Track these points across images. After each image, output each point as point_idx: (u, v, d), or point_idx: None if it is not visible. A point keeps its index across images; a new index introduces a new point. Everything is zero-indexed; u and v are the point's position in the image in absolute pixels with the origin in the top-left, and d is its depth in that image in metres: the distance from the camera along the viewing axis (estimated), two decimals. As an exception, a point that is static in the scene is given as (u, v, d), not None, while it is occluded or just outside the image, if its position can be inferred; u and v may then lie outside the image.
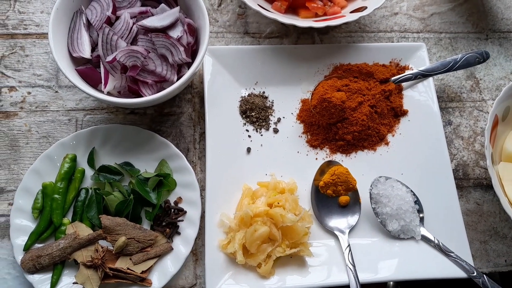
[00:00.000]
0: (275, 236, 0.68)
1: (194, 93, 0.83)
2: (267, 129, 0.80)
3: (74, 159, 0.73)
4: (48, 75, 0.81)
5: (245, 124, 0.80)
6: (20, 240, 0.68)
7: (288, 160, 0.79)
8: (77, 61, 0.74)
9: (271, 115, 0.81)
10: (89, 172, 0.74)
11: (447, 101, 0.88)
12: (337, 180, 0.75)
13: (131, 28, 0.72)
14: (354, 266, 0.69)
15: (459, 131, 0.86)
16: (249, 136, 0.79)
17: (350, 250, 0.71)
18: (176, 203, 0.73)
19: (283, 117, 0.82)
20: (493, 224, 0.80)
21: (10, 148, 0.77)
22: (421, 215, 0.74)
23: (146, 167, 0.75)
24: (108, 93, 0.73)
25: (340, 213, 0.75)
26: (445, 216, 0.75)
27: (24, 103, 0.79)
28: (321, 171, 0.77)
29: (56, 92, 0.81)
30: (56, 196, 0.70)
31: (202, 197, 0.75)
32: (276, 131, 0.80)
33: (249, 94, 0.82)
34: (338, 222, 0.74)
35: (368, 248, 0.73)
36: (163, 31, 0.73)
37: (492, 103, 0.88)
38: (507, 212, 0.69)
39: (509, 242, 0.79)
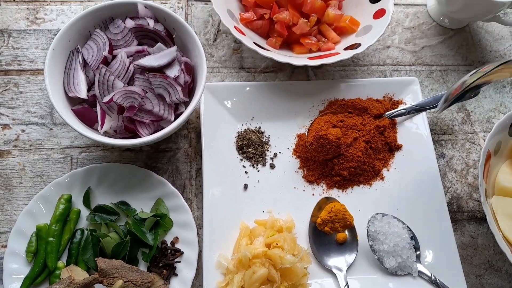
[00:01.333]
0: (274, 277, 0.67)
1: (191, 128, 0.83)
2: (264, 165, 0.81)
3: (69, 200, 0.72)
4: (43, 112, 0.81)
5: (241, 160, 0.80)
6: (13, 285, 0.67)
7: (285, 196, 0.79)
8: (73, 100, 0.73)
9: (268, 150, 0.82)
10: (85, 212, 0.73)
11: (439, 133, 0.89)
12: (335, 217, 0.75)
13: (128, 67, 0.72)
14: (353, 305, 0.69)
15: (452, 163, 0.87)
16: (246, 172, 0.80)
17: (348, 288, 0.71)
18: (172, 243, 0.73)
19: (280, 152, 0.82)
20: (488, 257, 0.81)
21: (4, 188, 0.75)
22: (417, 252, 0.75)
23: (143, 206, 0.74)
24: (105, 133, 0.73)
25: (338, 250, 0.75)
26: (441, 251, 0.76)
27: (18, 141, 0.78)
28: (319, 207, 0.77)
29: (51, 129, 0.80)
30: (51, 238, 0.69)
31: (199, 236, 0.74)
32: (272, 166, 0.81)
33: (245, 129, 0.82)
34: (336, 260, 0.74)
35: (366, 285, 0.73)
36: (160, 70, 0.73)
37: (483, 135, 0.90)
38: (501, 248, 0.69)
39: (504, 276, 0.80)
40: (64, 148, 0.79)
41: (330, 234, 0.75)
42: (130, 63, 0.73)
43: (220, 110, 0.81)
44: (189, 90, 0.76)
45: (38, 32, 0.86)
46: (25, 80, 0.83)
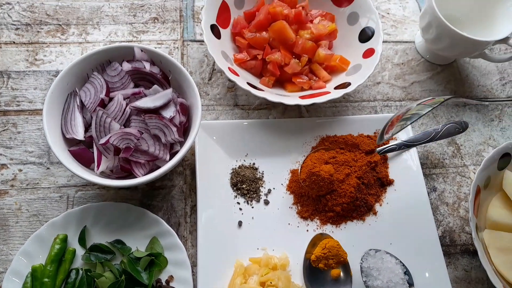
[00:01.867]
0: (268, 316, 0.68)
1: (186, 165, 0.84)
2: (258, 201, 0.82)
3: (64, 240, 0.73)
4: (40, 152, 0.82)
5: (236, 196, 0.81)
6: (7, 328, 0.67)
7: (279, 233, 0.79)
8: (70, 141, 0.75)
9: (262, 186, 0.83)
10: (80, 252, 0.74)
11: (430, 167, 0.91)
12: (329, 253, 0.75)
13: (125, 109, 0.74)
14: None
15: (444, 197, 0.88)
16: (240, 209, 0.81)
17: (343, 327, 0.71)
18: (167, 282, 0.73)
19: (273, 188, 0.83)
20: (482, 291, 0.81)
21: (0, 228, 0.76)
22: (411, 287, 0.75)
23: (138, 244, 0.75)
24: (101, 172, 0.74)
25: (332, 287, 0.75)
26: (435, 286, 0.76)
27: (15, 181, 0.80)
28: (313, 243, 0.77)
29: (48, 168, 0.81)
30: (46, 279, 0.69)
31: (194, 274, 0.75)
32: (267, 202, 0.82)
33: (239, 166, 0.84)
34: (331, 297, 0.74)
35: (361, 323, 0.73)
36: (156, 111, 0.75)
37: (474, 168, 0.92)
38: (493, 283, 0.70)
39: (499, 310, 0.80)
40: (61, 187, 0.80)
41: (324, 270, 0.76)
42: (127, 105, 0.75)
43: (214, 147, 0.83)
44: (184, 129, 0.78)
45: (37, 73, 0.89)
46: (23, 120, 0.85)
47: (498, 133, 0.96)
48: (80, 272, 0.72)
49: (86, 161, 0.74)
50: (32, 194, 0.79)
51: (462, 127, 0.87)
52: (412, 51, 1.03)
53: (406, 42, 1.04)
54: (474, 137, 0.95)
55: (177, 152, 0.73)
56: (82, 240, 0.74)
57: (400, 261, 0.77)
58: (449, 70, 1.02)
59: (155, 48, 0.80)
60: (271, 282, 0.70)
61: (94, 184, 0.80)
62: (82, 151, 0.73)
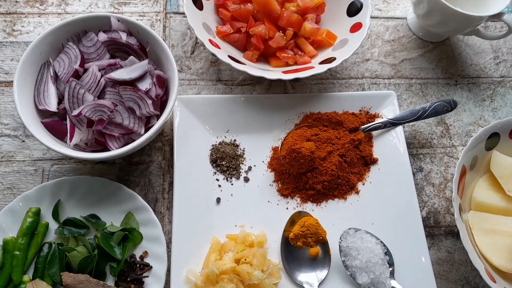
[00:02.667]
0: (241, 293, 0.66)
1: (165, 141, 0.82)
2: (238, 178, 0.80)
3: (37, 213, 0.71)
4: (16, 124, 0.80)
5: (215, 173, 0.80)
6: (-23, 300, 0.66)
7: (258, 210, 0.78)
8: (44, 113, 0.73)
9: (242, 163, 0.81)
10: (54, 226, 0.72)
11: (418, 147, 0.88)
12: (307, 231, 0.74)
13: (99, 81, 0.72)
14: (323, 323, 0.68)
15: (430, 177, 0.86)
16: (219, 186, 0.79)
17: (319, 305, 0.70)
18: (142, 257, 0.72)
19: (254, 165, 0.81)
20: (464, 273, 0.80)
21: (-27, 201, 0.75)
22: (391, 268, 0.74)
23: (113, 219, 0.74)
24: (75, 145, 0.72)
25: (310, 265, 0.74)
26: (416, 268, 0.75)
27: (-11, 153, 0.78)
28: (291, 221, 0.76)
29: (23, 141, 0.79)
30: (17, 252, 0.68)
31: (170, 250, 0.73)
32: (246, 179, 0.80)
33: (220, 142, 0.82)
34: (308, 275, 0.73)
35: (338, 302, 0.72)
36: (132, 83, 0.73)
37: (462, 149, 0.89)
38: (474, 265, 0.68)
39: (481, 292, 0.79)
40: (36, 160, 0.78)
41: (302, 249, 0.74)
42: (102, 76, 0.72)
43: (194, 122, 0.81)
44: (162, 103, 0.76)
45: (15, 44, 0.86)
46: (-1, 91, 0.83)
47: (490, 114, 0.94)
48: (53, 246, 0.70)
49: (59, 133, 0.72)
50: (6, 167, 0.77)
51: (451, 106, 0.84)
52: (404, 27, 1.00)
53: (398, 18, 1.01)
54: (464, 117, 0.93)
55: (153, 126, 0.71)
56: (55, 214, 0.72)
57: (381, 241, 0.75)
58: (441, 48, 0.99)
59: (137, 20, 0.77)
60: (245, 259, 0.68)
61: (69, 157, 0.79)
62: (55, 123, 0.72)
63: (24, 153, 0.79)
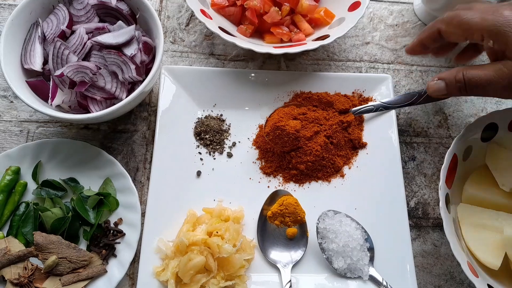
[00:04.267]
0: (210, 266, 0.65)
1: (151, 111, 0.82)
2: (221, 153, 0.78)
3: (16, 172, 0.71)
4: (5, 85, 0.81)
5: (198, 146, 0.78)
6: (-50, 251, 0.67)
7: (239, 187, 0.76)
8: (30, 74, 0.73)
9: (227, 138, 0.80)
10: (33, 186, 0.73)
11: (412, 135, 0.85)
12: (285, 211, 0.72)
13: (85, 43, 0.71)
14: (292, 303, 0.66)
15: (423, 167, 0.83)
16: (201, 159, 0.78)
17: (290, 286, 0.68)
18: (116, 224, 0.71)
19: (239, 142, 0.80)
20: (449, 268, 0.76)
21: (-43, 156, 0.76)
22: (369, 254, 0.71)
23: (92, 184, 0.73)
24: (59, 107, 0.72)
25: (286, 245, 0.72)
26: (397, 257, 0.72)
27: (-23, 111, 0.79)
28: (271, 199, 0.74)
29: (11, 102, 0.80)
30: (-7, 208, 0.69)
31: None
32: (230, 155, 0.79)
33: (206, 116, 0.80)
34: (282, 255, 0.71)
35: (312, 285, 0.70)
36: (118, 48, 0.72)
37: (460, 141, 0.85)
38: (456, 257, 0.65)
39: (466, 289, 0.75)
40: (22, 121, 0.79)
41: (279, 228, 0.73)
42: (89, 39, 0.72)
43: (181, 94, 0.80)
44: (148, 70, 0.75)
45: (13, 7, 0.87)
46: (-7, 52, 0.83)
47: (493, 106, 0.89)
48: (30, 205, 0.71)
49: (44, 94, 0.72)
50: (-7, 125, 0.78)
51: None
52: (409, 13, 0.96)
53: (404, 3, 0.97)
54: (465, 108, 0.88)
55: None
56: (35, 175, 0.72)
57: (362, 227, 0.73)
58: (447, 36, 0.94)
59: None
60: (217, 232, 0.67)
61: (56, 121, 0.79)
62: (40, 83, 0.72)
63: (12, 114, 0.79)
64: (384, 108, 0.80)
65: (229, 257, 0.65)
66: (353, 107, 0.80)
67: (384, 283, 0.69)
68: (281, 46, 0.79)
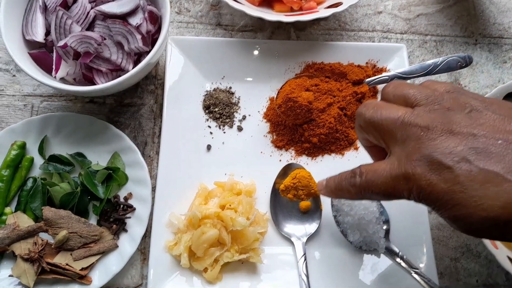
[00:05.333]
0: (224, 240, 0.64)
1: (158, 84, 0.79)
2: (231, 127, 0.76)
3: (22, 147, 0.70)
4: (8, 58, 0.78)
5: (207, 120, 0.76)
6: (-43, 228, 0.65)
7: (250, 160, 0.74)
8: (32, 45, 0.70)
9: (236, 112, 0.77)
10: (39, 161, 0.71)
11: (427, 107, 0.82)
12: (298, 184, 0.70)
13: (88, 12, 0.68)
14: (307, 277, 0.65)
15: (437, 139, 0.80)
16: (211, 133, 0.76)
17: (305, 259, 0.67)
18: (126, 198, 0.70)
19: (249, 115, 0.77)
20: (466, 240, 0.75)
21: (-39, 132, 0.74)
22: (385, 227, 0.70)
23: (100, 159, 0.72)
24: (63, 80, 0.70)
25: (299, 219, 0.70)
26: (413, 230, 0.71)
27: (-21, 86, 0.77)
28: (283, 173, 0.72)
29: (14, 76, 0.78)
30: (0, 184, 0.67)
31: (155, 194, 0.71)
32: (240, 129, 0.76)
33: (214, 88, 0.78)
34: (296, 228, 0.70)
35: (327, 259, 0.69)
36: (123, 18, 0.69)
37: (476, 112, 0.83)
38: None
39: (483, 261, 0.74)
40: (26, 95, 0.77)
41: (292, 201, 0.71)
42: (92, 8, 0.69)
43: (188, 66, 0.77)
44: (154, 40, 0.72)
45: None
46: (-7, 25, 0.80)
47: (510, 77, 0.86)
48: (37, 180, 0.69)
49: (47, 66, 0.69)
50: (-4, 100, 0.76)
51: (465, 62, 0.77)
52: (424, -20, 0.92)
53: (418, -31, 0.93)
54: (481, 79, 0.86)
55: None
56: (41, 150, 0.71)
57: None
58: (462, 4, 0.91)
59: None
60: (230, 205, 0.65)
61: (61, 95, 0.77)
62: (43, 55, 0.69)
63: (15, 88, 0.77)
64: (399, 78, 0.77)
65: (243, 230, 0.63)
66: (367, 78, 0.78)
67: (400, 255, 0.68)
68: (293, 14, 0.76)
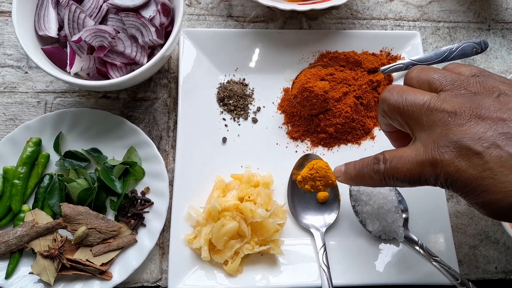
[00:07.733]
0: (244, 232, 0.64)
1: (171, 78, 0.79)
2: (246, 119, 0.76)
3: (38, 143, 0.69)
4: (19, 55, 0.78)
5: (222, 112, 0.76)
6: (-24, 226, 0.65)
7: (266, 152, 0.74)
8: (45, 41, 0.70)
9: (251, 103, 0.77)
10: (55, 157, 0.71)
11: (441, 94, 0.82)
12: (316, 174, 0.70)
13: (101, 6, 0.68)
14: (328, 267, 0.65)
15: (453, 127, 0.80)
16: (226, 125, 0.75)
17: (325, 250, 0.66)
18: (143, 193, 0.69)
19: (263, 107, 0.77)
20: (484, 228, 0.74)
21: (-25, 130, 0.73)
22: (404, 215, 0.69)
23: (115, 154, 0.71)
24: (77, 75, 0.69)
25: (318, 210, 0.70)
26: (432, 218, 0.70)
27: (-8, 84, 0.76)
28: (300, 164, 0.72)
29: (26, 73, 0.77)
30: (16, 181, 0.67)
31: (172, 188, 0.71)
32: (255, 120, 0.76)
33: (228, 81, 0.77)
34: (315, 219, 0.69)
35: (346, 248, 0.68)
36: (136, 10, 0.68)
37: (491, 99, 0.82)
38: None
39: (501, 248, 0.74)
40: (39, 92, 0.76)
41: (310, 192, 0.71)
42: (104, 1, 0.68)
43: (201, 58, 0.76)
44: (167, 34, 0.71)
45: (19, -27, 0.83)
46: (3, 22, 0.80)
47: (524, 62, 0.86)
48: (54, 177, 0.69)
49: (60, 62, 0.69)
50: (9, 98, 0.75)
51: (481, 47, 0.76)
52: (435, -34, 0.91)
53: (429, -44, 0.92)
54: (495, 65, 0.85)
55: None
56: (56, 146, 0.70)
57: (395, 189, 0.70)
58: (475, -11, 0.90)
59: None
60: (249, 197, 0.65)
61: (74, 90, 0.76)
62: (56, 50, 0.68)
63: (27, 85, 0.76)
64: (414, 66, 0.76)
65: (263, 221, 0.63)
66: (381, 66, 0.77)
67: (420, 243, 0.67)
68: (307, 3, 0.75)
